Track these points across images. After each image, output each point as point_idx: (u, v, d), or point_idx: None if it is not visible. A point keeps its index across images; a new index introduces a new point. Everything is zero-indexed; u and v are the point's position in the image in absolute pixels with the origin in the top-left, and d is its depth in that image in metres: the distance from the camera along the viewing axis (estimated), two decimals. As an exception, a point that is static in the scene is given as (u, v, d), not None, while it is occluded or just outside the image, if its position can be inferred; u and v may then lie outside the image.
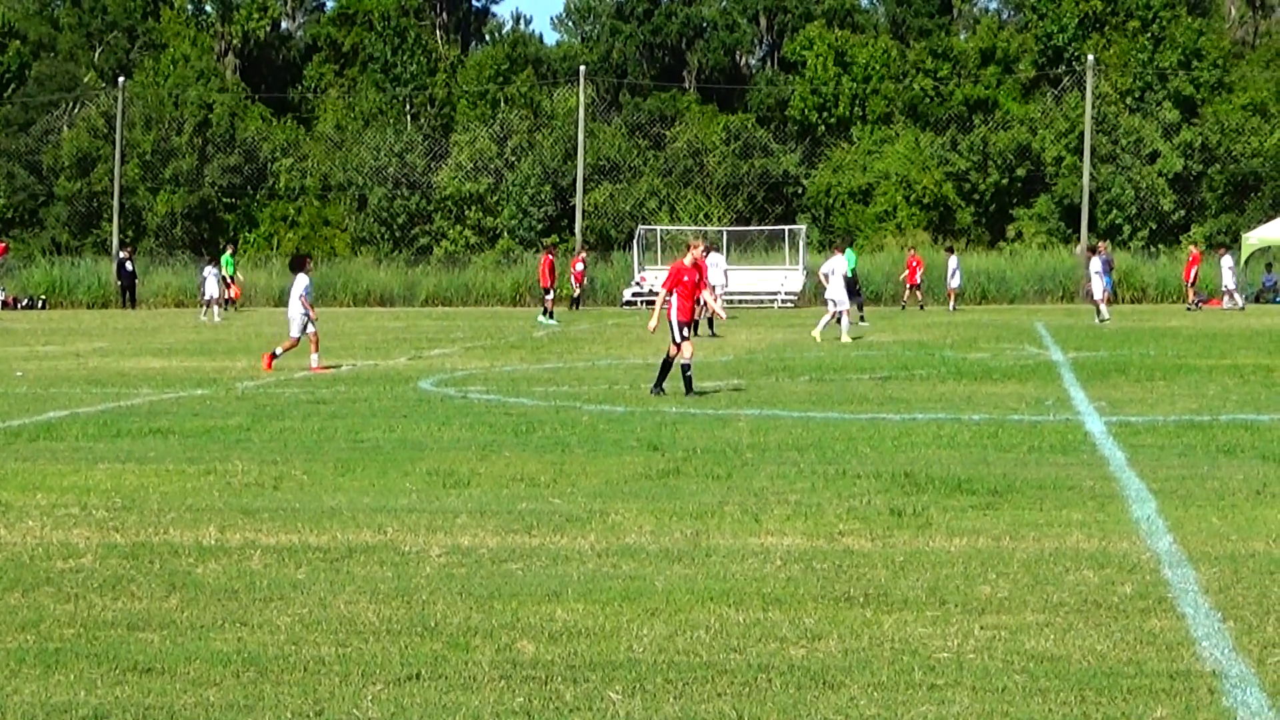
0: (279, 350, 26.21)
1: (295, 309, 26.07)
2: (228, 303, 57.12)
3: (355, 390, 21.73)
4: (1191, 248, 56.20)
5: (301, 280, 26.04)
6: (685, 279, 20.92)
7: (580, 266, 57.01)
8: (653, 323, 21.57)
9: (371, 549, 9.95)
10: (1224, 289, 52.65)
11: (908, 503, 11.39)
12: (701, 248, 21.96)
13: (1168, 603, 8.31)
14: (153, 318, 53.48)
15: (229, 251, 59.41)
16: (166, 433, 16.37)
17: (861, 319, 41.01)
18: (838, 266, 33.85)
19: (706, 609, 8.26)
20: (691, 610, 8.24)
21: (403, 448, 15.01)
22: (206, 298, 51.27)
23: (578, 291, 57.10)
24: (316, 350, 26.13)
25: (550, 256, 48.77)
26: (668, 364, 20.63)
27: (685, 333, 20.62)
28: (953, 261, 54.69)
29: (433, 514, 11.16)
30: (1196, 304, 53.00)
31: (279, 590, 8.81)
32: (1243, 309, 50.50)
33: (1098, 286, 43.34)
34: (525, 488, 12.40)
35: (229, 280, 57.37)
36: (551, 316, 45.57)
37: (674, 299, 20.81)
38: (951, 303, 54.02)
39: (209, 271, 51.38)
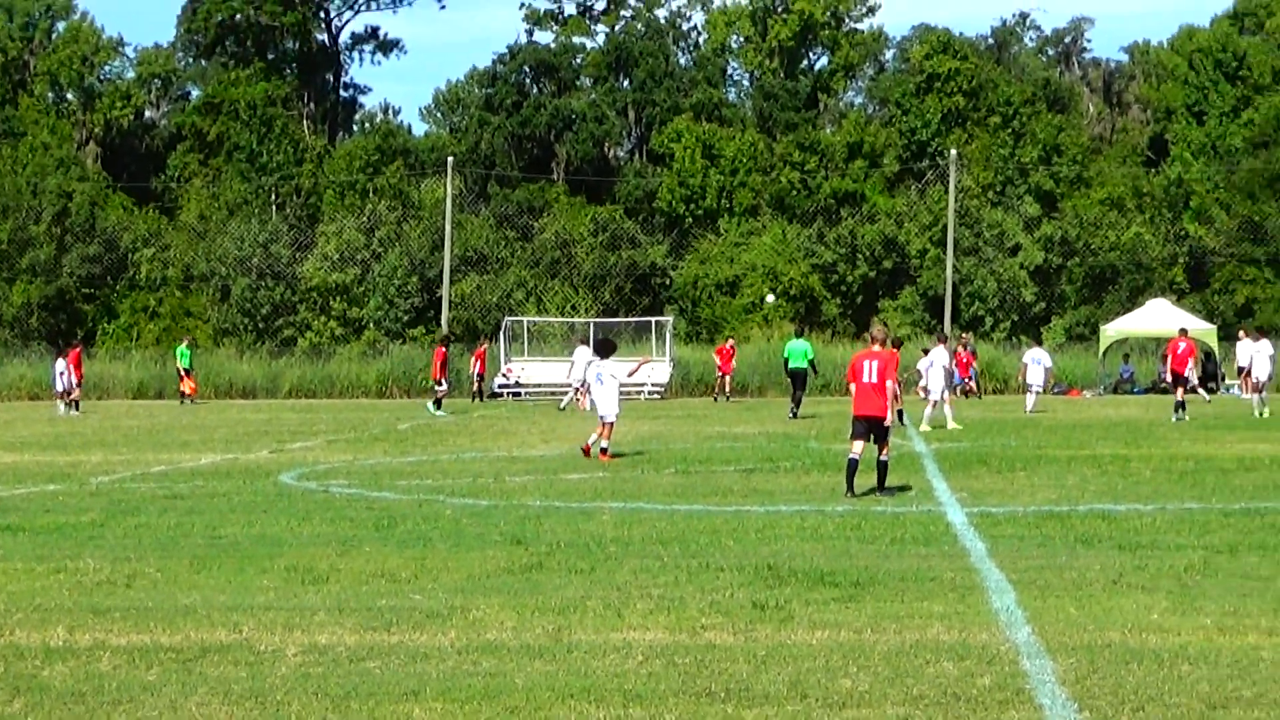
0: (596, 440, 25.21)
1: (610, 392, 25.37)
2: (183, 397, 55.58)
3: (214, 485, 21.37)
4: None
5: (616, 364, 26.10)
6: None
7: (478, 362, 56.46)
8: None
9: (226, 648, 9.73)
10: (1028, 385, 43.31)
11: (770, 596, 11.37)
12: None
13: (1026, 694, 8.35)
14: (5, 410, 52.33)
15: (185, 343, 58.02)
16: (16, 530, 15.97)
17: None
18: (937, 358, 34.99)
19: (567, 706, 8.16)
20: (552, 707, 8.14)
21: (261, 544, 14.75)
22: (59, 390, 50.07)
23: (476, 384, 56.49)
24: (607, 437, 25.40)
25: (443, 349, 47.98)
26: None
27: None
28: (1261, 347, 40.31)
29: (290, 611, 10.96)
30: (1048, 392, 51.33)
31: (128, 693, 8.58)
32: (1030, 411, 41.35)
33: (1036, 376, 42.29)
34: (385, 584, 12.22)
35: (185, 373, 55.92)
36: (440, 407, 44.67)
37: None
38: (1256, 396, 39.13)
39: (60, 364, 50.18)
